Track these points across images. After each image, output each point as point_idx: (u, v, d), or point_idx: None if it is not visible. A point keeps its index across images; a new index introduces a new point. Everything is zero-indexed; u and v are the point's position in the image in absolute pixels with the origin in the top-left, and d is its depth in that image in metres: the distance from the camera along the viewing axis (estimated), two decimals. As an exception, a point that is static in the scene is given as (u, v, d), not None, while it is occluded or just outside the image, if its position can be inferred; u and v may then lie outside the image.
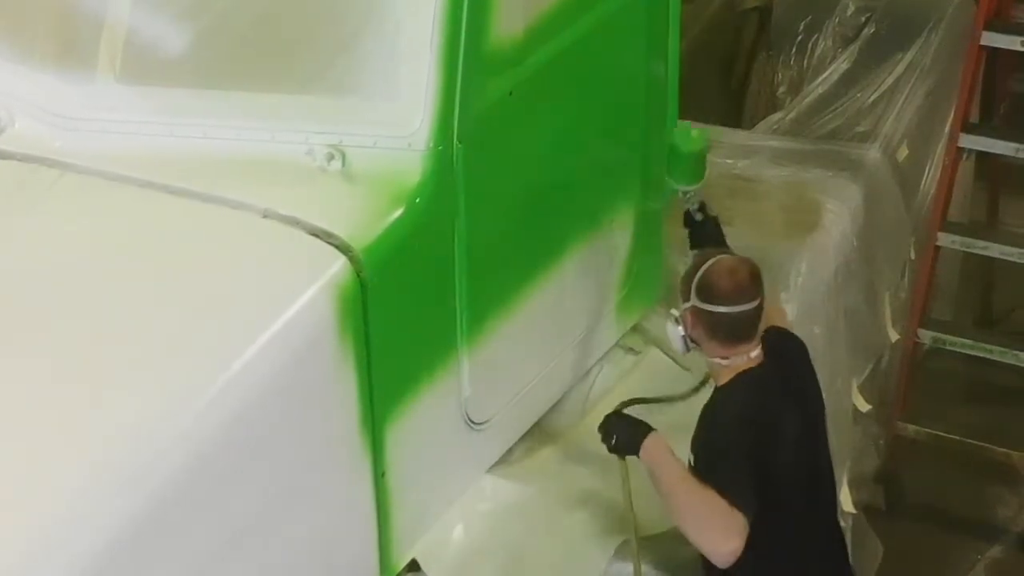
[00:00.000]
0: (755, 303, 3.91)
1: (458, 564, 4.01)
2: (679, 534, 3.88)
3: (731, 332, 3.91)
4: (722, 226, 4.57)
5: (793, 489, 3.91)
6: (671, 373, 4.78)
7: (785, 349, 4.08)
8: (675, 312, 4.02)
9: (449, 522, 4.05)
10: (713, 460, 3.83)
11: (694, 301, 3.93)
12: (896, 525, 6.02)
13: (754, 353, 3.94)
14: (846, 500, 5.41)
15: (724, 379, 3.95)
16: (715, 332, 3.91)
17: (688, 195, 4.52)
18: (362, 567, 3.82)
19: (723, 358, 3.94)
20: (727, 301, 3.89)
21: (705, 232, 4.49)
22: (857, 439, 5.69)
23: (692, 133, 4.50)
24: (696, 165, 4.50)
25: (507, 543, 4.10)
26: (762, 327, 3.98)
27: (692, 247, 4.50)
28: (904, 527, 6.09)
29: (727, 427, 3.86)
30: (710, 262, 3.95)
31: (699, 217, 4.53)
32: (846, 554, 4.26)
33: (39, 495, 3.11)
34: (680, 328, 4.00)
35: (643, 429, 3.95)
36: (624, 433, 3.98)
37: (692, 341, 4.00)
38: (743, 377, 3.92)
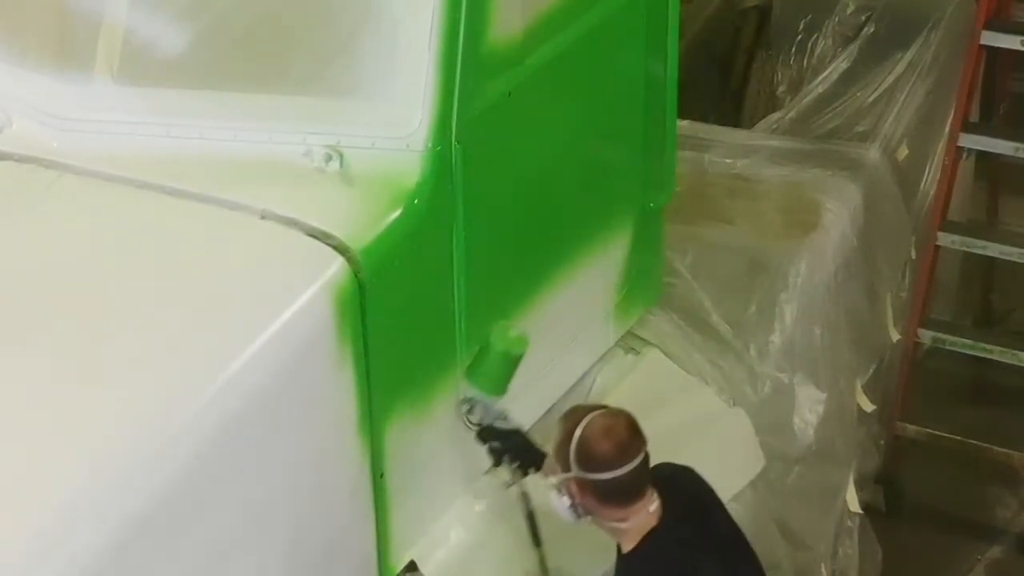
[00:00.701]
0: (641, 456, 3.64)
1: (456, 565, 4.00)
2: None
3: (624, 493, 3.65)
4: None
5: None
6: (670, 373, 4.79)
7: (677, 483, 3.82)
8: (554, 481, 3.70)
9: (448, 523, 4.04)
10: None
11: (576, 472, 3.64)
12: (896, 526, 6.02)
13: (652, 507, 3.69)
14: (852, 501, 5.41)
15: (629, 544, 3.71)
16: (607, 498, 3.65)
17: (489, 408, 3.92)
18: (360, 568, 3.82)
19: (621, 520, 3.69)
20: (612, 465, 3.61)
21: (513, 444, 3.94)
22: (862, 439, 5.69)
23: (511, 334, 3.92)
24: (507, 372, 3.92)
25: (505, 544, 4.10)
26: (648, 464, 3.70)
27: (495, 465, 3.97)
28: (904, 528, 6.09)
29: None
30: (582, 426, 3.64)
31: (506, 426, 3.95)
32: None
33: (39, 495, 3.10)
34: (566, 498, 3.69)
35: None
36: None
37: (583, 509, 3.71)
38: (650, 540, 3.69)
